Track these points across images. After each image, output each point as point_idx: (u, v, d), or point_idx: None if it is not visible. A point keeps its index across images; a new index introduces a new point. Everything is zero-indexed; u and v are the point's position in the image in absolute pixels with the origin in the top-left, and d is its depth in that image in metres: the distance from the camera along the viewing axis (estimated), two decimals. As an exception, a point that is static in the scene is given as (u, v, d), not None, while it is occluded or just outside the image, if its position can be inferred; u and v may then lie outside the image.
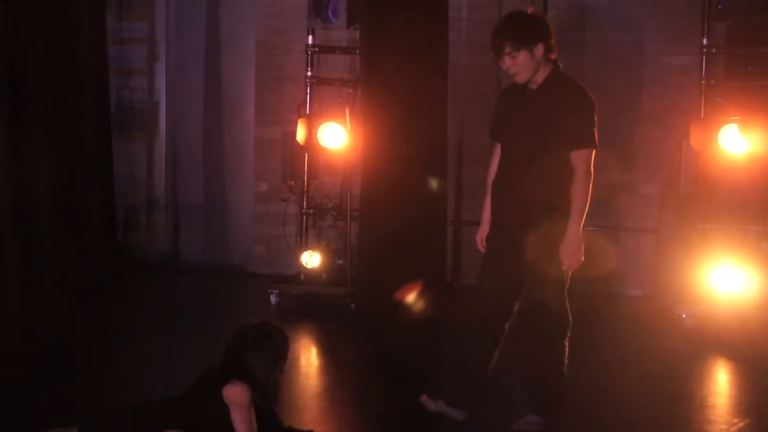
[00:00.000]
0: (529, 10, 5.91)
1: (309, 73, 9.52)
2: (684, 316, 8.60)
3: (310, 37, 9.47)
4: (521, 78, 5.75)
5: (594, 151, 5.78)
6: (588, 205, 5.74)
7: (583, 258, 5.77)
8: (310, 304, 9.20)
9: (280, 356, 5.35)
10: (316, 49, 9.52)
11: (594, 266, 9.56)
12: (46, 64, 8.67)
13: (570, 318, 5.92)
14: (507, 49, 5.67)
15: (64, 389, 6.85)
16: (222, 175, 10.86)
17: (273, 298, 9.20)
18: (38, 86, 8.61)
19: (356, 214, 9.17)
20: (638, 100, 9.74)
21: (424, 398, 6.10)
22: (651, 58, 9.77)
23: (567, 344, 5.93)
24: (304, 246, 9.60)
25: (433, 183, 9.05)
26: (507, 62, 5.71)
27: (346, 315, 8.88)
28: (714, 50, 8.91)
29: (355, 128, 8.99)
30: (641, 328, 8.64)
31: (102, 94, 9.46)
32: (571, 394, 6.71)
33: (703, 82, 8.79)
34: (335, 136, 9.30)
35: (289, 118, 9.86)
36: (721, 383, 7.65)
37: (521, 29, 5.71)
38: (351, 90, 9.31)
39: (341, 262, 9.46)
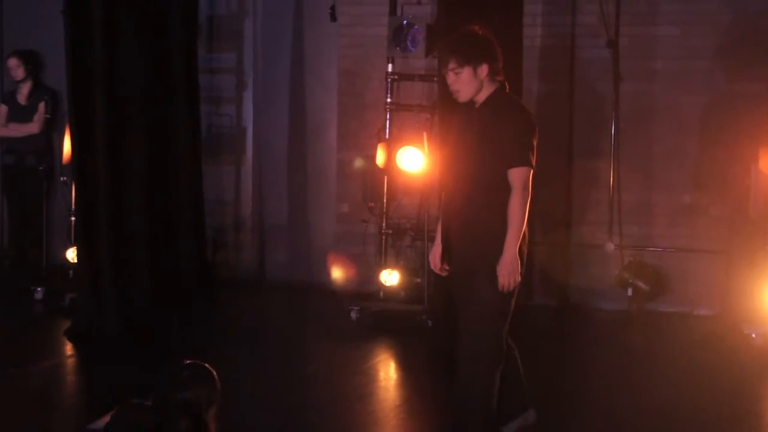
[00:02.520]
0: (479, 30, 5.67)
1: (389, 100, 9.60)
2: (753, 335, 8.52)
3: (390, 66, 9.58)
4: (462, 97, 5.58)
5: (531, 171, 5.47)
6: (525, 223, 5.45)
7: (519, 278, 5.46)
8: (388, 320, 9.22)
9: (212, 399, 5.01)
10: (396, 77, 9.61)
11: (665, 286, 9.65)
12: (142, 92, 8.79)
13: (502, 348, 5.56)
14: (451, 65, 5.50)
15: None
16: (305, 197, 10.94)
17: (353, 315, 9.28)
18: (135, 112, 8.73)
19: (433, 234, 9.16)
20: (708, 124, 9.67)
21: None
22: (721, 84, 9.68)
23: (497, 378, 5.53)
24: (383, 265, 9.66)
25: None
26: (451, 78, 5.54)
27: (423, 331, 8.90)
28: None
29: (432, 152, 9.03)
30: (711, 347, 8.56)
31: (193, 120, 9.56)
32: (642, 409, 6.73)
33: (772, 108, 8.73)
34: (413, 160, 9.39)
35: (369, 142, 9.94)
36: (789, 401, 7.58)
37: (467, 47, 5.54)
38: (428, 115, 9.36)
39: (419, 280, 9.51)
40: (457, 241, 5.64)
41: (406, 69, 9.74)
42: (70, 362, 8.22)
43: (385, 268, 9.61)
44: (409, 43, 9.49)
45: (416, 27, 9.43)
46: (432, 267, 5.82)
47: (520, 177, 5.43)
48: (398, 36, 9.48)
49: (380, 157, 9.57)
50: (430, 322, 8.90)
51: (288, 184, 10.99)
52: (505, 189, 5.44)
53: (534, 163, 5.48)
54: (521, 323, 8.88)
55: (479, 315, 5.49)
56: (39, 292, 9.97)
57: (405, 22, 9.49)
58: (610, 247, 9.86)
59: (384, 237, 9.73)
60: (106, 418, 5.18)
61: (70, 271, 9.79)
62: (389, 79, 9.63)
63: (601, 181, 9.96)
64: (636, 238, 9.92)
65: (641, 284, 9.71)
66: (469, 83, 5.51)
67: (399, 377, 8.15)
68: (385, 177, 9.65)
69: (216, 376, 5.01)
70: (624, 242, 9.88)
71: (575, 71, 10.06)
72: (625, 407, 6.93)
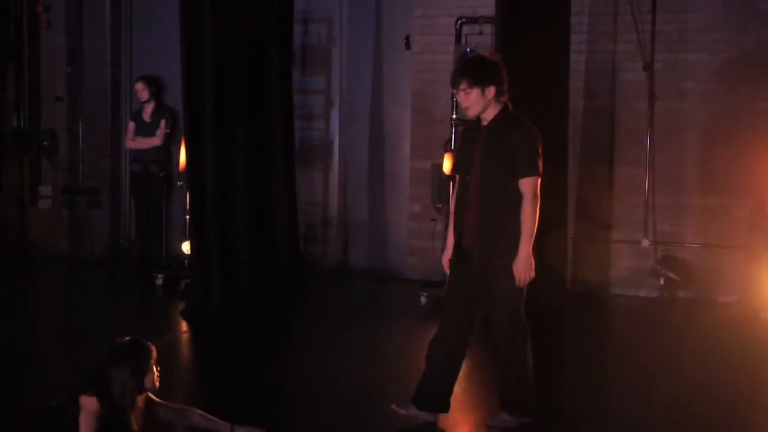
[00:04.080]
0: (489, 55, 5.65)
1: (454, 116, 9.53)
2: (770, 319, 8.44)
3: (455, 87, 9.52)
4: (471, 113, 5.51)
5: (539, 179, 5.42)
6: (536, 226, 5.40)
7: (534, 273, 5.42)
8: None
9: (141, 371, 4.93)
10: (460, 97, 9.55)
11: (693, 276, 9.55)
12: (245, 111, 8.84)
13: (527, 327, 5.58)
14: (462, 86, 5.43)
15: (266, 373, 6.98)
16: (383, 198, 10.94)
17: (423, 299, 9.24)
18: (239, 127, 8.78)
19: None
20: (732, 138, 9.52)
21: (393, 406, 5.69)
22: (742, 103, 9.54)
23: (529, 350, 5.60)
24: (449, 257, 9.61)
25: (556, 207, 9.01)
26: (461, 97, 5.48)
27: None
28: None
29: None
30: (733, 330, 8.43)
31: (289, 133, 9.60)
32: (671, 381, 6.66)
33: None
34: (476, 168, 9.32)
35: (437, 152, 9.90)
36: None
37: (477, 71, 5.46)
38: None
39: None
40: (474, 245, 5.52)
41: (470, 90, 9.70)
42: (185, 337, 8.31)
43: (451, 260, 9.60)
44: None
45: (478, 53, 9.40)
46: (444, 267, 5.70)
47: (530, 186, 5.38)
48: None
49: (446, 165, 9.52)
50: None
51: (368, 187, 11.00)
52: (517, 196, 5.39)
53: (541, 172, 5.43)
54: (569, 307, 8.96)
55: (508, 307, 5.50)
56: (159, 278, 10.05)
57: (468, 50, 9.44)
58: (646, 242, 9.77)
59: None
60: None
61: (185, 261, 9.86)
62: (454, 99, 9.59)
63: (638, 186, 9.86)
64: (668, 235, 9.81)
65: (672, 275, 9.64)
66: (477, 102, 5.44)
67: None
68: (451, 182, 9.60)
69: (150, 349, 4.97)
70: (657, 238, 9.79)
71: (616, 91, 9.97)
72: (656, 380, 6.87)
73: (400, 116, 10.77)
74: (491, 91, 5.43)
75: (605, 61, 9.95)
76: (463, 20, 9.69)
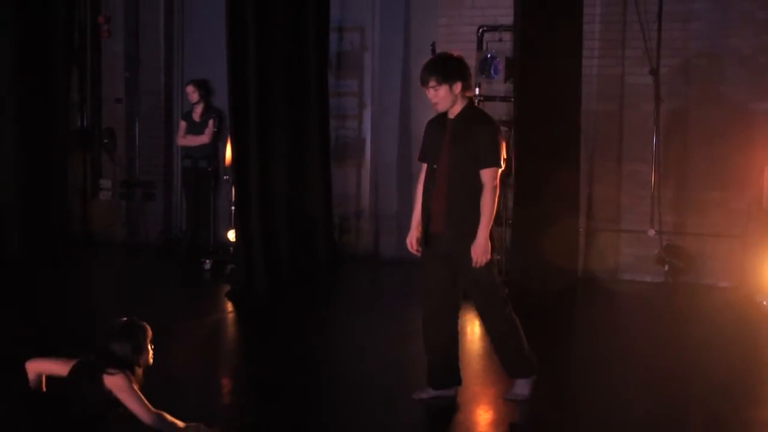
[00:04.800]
0: (455, 54, 5.51)
1: (475, 116, 9.60)
2: (765, 303, 8.40)
3: (477, 89, 9.55)
4: (441, 107, 5.43)
5: (499, 170, 5.34)
6: (495, 212, 5.32)
7: (490, 256, 5.31)
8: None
9: (139, 348, 4.87)
10: (482, 98, 9.57)
11: (694, 263, 9.58)
12: (285, 112, 8.93)
13: (505, 295, 5.52)
14: (432, 83, 5.35)
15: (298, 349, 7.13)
16: (411, 191, 10.83)
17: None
18: (279, 127, 8.88)
19: (510, 222, 9.14)
20: (730, 135, 9.52)
21: (415, 394, 5.66)
22: (741, 104, 9.54)
23: (514, 315, 5.53)
24: (471, 245, 9.66)
25: (569, 200, 9.06)
26: (430, 93, 5.38)
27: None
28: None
29: (510, 157, 9.02)
30: (730, 312, 8.47)
31: (324, 132, 9.67)
32: (672, 358, 6.72)
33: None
34: (495, 164, 9.37)
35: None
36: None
37: (445, 68, 5.37)
38: (507, 128, 9.34)
39: (498, 257, 9.43)
40: (442, 230, 5.45)
41: (490, 92, 9.72)
42: (230, 317, 8.37)
43: (472, 248, 9.64)
44: (492, 72, 9.52)
45: (498, 59, 9.45)
46: (408, 248, 5.61)
47: (490, 176, 5.31)
48: (484, 66, 9.51)
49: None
50: (506, 290, 8.86)
51: (398, 181, 10.98)
52: (478, 186, 5.32)
53: (502, 163, 5.36)
54: (582, 290, 9.01)
55: (483, 285, 5.45)
56: (207, 263, 10.15)
57: (489, 55, 9.52)
58: (652, 232, 9.75)
59: (472, 223, 9.75)
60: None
61: (231, 248, 9.92)
62: (477, 100, 9.65)
63: (644, 180, 9.87)
64: (672, 225, 9.81)
65: (676, 262, 9.66)
66: (446, 97, 5.37)
67: (481, 332, 8.14)
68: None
69: (146, 329, 4.92)
70: (662, 228, 9.78)
71: (624, 94, 9.97)
72: (659, 356, 6.96)
73: (426, 115, 10.57)
74: (458, 86, 5.36)
75: (615, 65, 9.95)
76: (484, 28, 9.72)
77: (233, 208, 9.35)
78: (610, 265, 9.99)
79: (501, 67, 9.42)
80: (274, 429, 5.28)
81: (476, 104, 5.55)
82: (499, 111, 9.64)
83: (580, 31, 9.21)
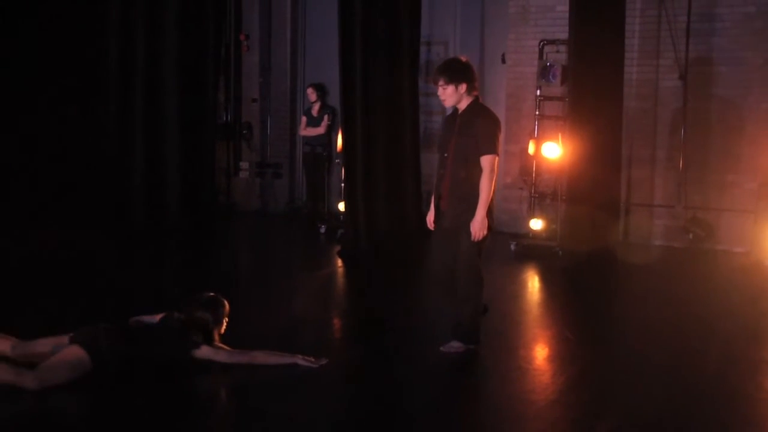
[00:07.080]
0: (463, 59, 5.22)
1: (537, 113, 9.55)
2: (772, 265, 8.24)
3: (538, 91, 9.50)
4: (447, 104, 5.18)
5: (496, 157, 5.09)
6: (492, 194, 5.03)
7: (486, 232, 5.03)
8: (534, 250, 9.12)
9: (218, 320, 4.71)
10: (542, 98, 9.52)
11: (714, 232, 9.36)
12: (384, 108, 8.92)
13: (482, 275, 5.15)
14: (441, 82, 5.10)
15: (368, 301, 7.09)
16: (483, 173, 10.88)
17: (512, 247, 9.24)
18: (379, 121, 8.86)
19: (564, 197, 9.06)
20: (745, 129, 9.31)
21: (441, 348, 5.24)
22: (754, 103, 9.31)
23: (481, 293, 5.18)
24: (532, 215, 9.62)
25: (612, 179, 8.88)
26: (439, 91, 5.13)
27: (556, 258, 8.74)
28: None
29: (564, 146, 8.94)
30: (744, 274, 8.26)
31: (415, 124, 9.61)
32: (694, 313, 6.58)
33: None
34: (552, 151, 9.30)
35: (525, 139, 9.90)
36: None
37: (452, 70, 5.11)
38: (562, 123, 9.27)
39: (554, 226, 9.44)
40: (445, 208, 5.22)
41: (548, 93, 9.61)
42: (340, 271, 8.40)
43: (533, 218, 9.59)
44: (551, 77, 9.38)
45: (555, 67, 9.31)
46: (428, 225, 5.36)
47: (488, 161, 5.05)
48: (544, 72, 9.39)
49: (531, 148, 9.53)
50: (560, 252, 8.79)
51: (473, 165, 10.94)
52: (479, 170, 5.07)
53: (498, 152, 5.14)
54: (622, 253, 8.85)
55: (468, 257, 5.12)
56: (322, 228, 10.20)
57: (548, 63, 9.40)
58: (679, 207, 9.59)
59: (533, 198, 9.69)
60: (156, 317, 4.81)
61: (341, 216, 9.96)
62: (537, 100, 9.58)
63: (674, 165, 9.68)
64: (696, 201, 9.61)
65: (698, 231, 9.48)
66: (452, 96, 5.13)
67: (540, 285, 8.16)
68: (534, 161, 9.61)
69: (225, 305, 4.72)
70: (688, 204, 9.61)
71: (658, 95, 9.77)
72: (684, 312, 6.81)
73: (498, 112, 10.22)
74: (463, 87, 5.12)
75: (650, 72, 9.75)
76: (545, 42, 9.60)
77: (342, 184, 9.37)
78: (644, 233, 9.83)
79: (558, 73, 9.28)
80: (376, 360, 5.24)
81: (480, 101, 5.30)
82: (556, 108, 9.55)
83: (623, 44, 8.96)
